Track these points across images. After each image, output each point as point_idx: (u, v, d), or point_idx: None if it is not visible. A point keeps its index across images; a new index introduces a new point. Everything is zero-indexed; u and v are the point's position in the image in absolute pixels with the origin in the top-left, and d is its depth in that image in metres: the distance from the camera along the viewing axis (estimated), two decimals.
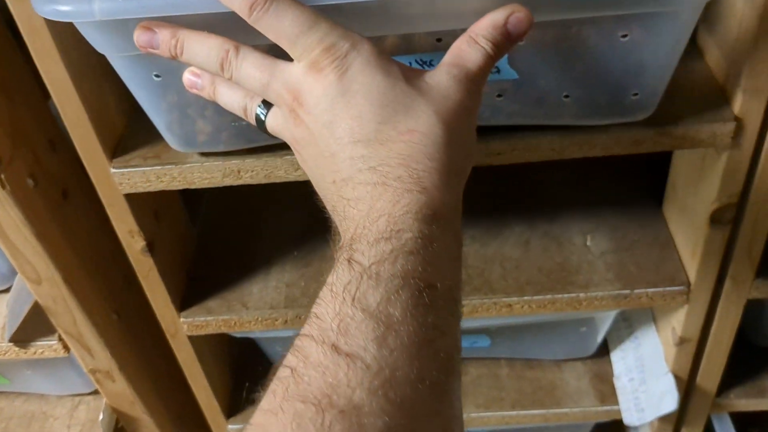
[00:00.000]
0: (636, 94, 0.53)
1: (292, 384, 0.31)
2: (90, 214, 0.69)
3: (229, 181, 0.59)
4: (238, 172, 0.59)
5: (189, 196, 0.78)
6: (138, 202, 0.63)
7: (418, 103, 0.39)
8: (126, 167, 0.59)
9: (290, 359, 0.32)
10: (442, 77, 0.41)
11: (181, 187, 0.60)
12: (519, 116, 0.55)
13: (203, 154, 0.59)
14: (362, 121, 0.39)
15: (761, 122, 0.56)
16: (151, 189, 0.60)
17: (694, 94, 0.58)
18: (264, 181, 0.60)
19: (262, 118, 0.45)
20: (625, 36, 0.48)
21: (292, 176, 0.59)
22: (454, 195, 0.39)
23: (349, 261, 0.35)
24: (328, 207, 0.42)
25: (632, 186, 0.79)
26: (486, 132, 0.57)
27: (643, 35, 0.48)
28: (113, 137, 0.61)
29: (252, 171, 0.59)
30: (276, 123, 0.44)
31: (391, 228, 0.35)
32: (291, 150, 0.58)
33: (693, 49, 0.62)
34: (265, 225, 0.80)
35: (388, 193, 0.37)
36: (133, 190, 0.60)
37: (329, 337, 0.32)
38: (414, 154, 0.38)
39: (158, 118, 0.56)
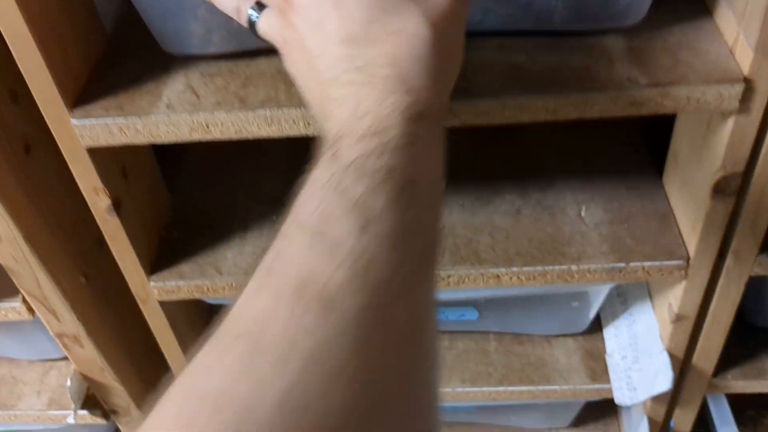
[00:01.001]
0: None
1: (276, 262, 0.32)
2: (56, 170, 0.65)
3: (197, 136, 0.55)
4: (207, 126, 0.55)
5: (166, 159, 0.75)
6: (103, 157, 0.59)
7: (407, 5, 0.39)
8: (87, 118, 0.55)
9: (275, 245, 0.33)
10: None
11: (146, 142, 0.56)
12: (510, 20, 0.54)
13: (169, 107, 0.55)
14: (350, 21, 0.39)
15: None
16: (114, 143, 0.56)
17: (701, 54, 0.54)
18: (235, 136, 0.56)
19: (254, 19, 0.45)
20: None
21: (265, 132, 0.55)
22: (440, 97, 0.39)
23: (334, 155, 0.35)
24: (315, 109, 0.42)
25: (631, 156, 0.75)
26: (474, 92, 0.53)
27: None
28: (75, 88, 0.56)
29: (221, 125, 0.55)
30: (267, 25, 0.44)
31: (377, 125, 0.36)
32: (262, 105, 0.55)
33: (700, 6, 0.57)
34: (244, 189, 0.76)
35: (375, 93, 0.37)
36: (95, 144, 0.56)
37: (311, 224, 0.33)
38: (401, 54, 0.38)
39: (150, 18, 0.55)
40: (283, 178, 0.76)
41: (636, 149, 0.76)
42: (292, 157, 0.79)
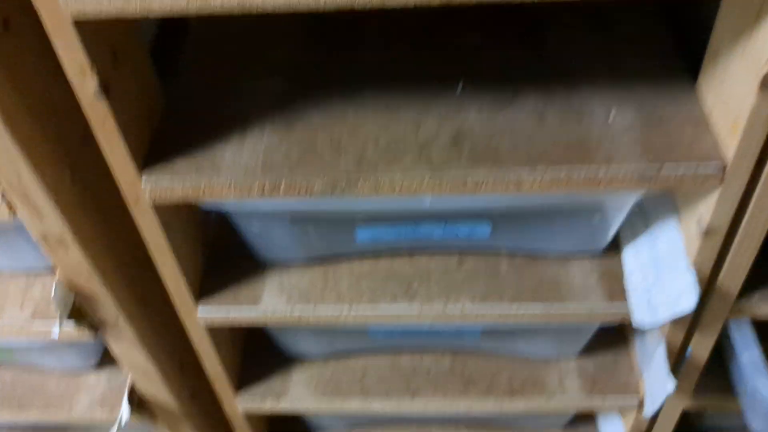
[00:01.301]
0: None
1: None
2: (38, 50, 0.59)
3: (194, 7, 0.50)
4: None
5: (163, 54, 0.70)
6: (91, 33, 0.54)
7: None
8: None
9: None
10: None
11: (139, 14, 0.50)
12: None
13: None
14: None
15: None
16: (104, 15, 0.50)
17: None
18: (237, 10, 0.50)
19: None
20: None
21: (270, 6, 0.49)
22: None
23: None
24: None
25: (661, 61, 0.70)
26: None
27: None
28: None
29: None
30: None
31: None
32: None
33: None
34: (245, 85, 0.70)
35: None
36: (81, 14, 0.51)
37: None
38: None
39: None
40: (290, 74, 0.71)
41: (666, 54, 0.70)
42: (297, 56, 0.73)
